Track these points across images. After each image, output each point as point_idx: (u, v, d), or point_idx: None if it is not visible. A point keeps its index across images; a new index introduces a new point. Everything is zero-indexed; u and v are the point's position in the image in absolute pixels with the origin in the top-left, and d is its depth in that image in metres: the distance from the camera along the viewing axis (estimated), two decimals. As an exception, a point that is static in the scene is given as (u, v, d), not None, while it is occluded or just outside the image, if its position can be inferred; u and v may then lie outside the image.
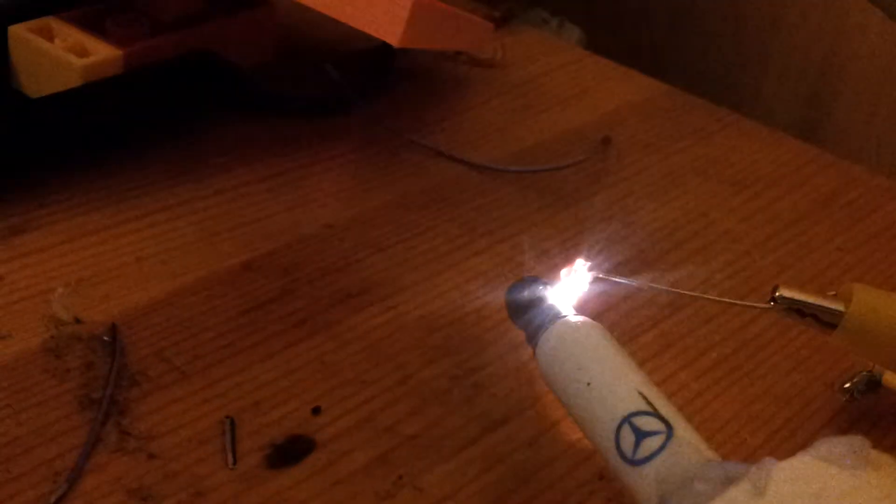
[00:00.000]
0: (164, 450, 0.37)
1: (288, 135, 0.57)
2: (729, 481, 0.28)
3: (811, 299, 0.38)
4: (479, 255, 0.50)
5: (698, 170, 0.60)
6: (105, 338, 0.41)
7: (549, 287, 0.39)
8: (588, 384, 0.34)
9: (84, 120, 0.51)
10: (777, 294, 0.38)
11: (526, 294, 0.39)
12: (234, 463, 0.37)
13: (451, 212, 0.53)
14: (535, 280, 0.40)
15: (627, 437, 0.32)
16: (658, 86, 0.68)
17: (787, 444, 0.41)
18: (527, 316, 0.39)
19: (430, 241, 0.51)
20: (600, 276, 0.40)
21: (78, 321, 0.42)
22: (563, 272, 0.40)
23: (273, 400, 0.40)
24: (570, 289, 0.40)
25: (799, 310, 0.38)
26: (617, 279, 0.42)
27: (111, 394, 0.39)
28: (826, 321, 0.38)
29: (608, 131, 0.61)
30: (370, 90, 0.61)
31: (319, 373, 0.42)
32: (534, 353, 0.38)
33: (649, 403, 0.33)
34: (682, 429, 0.32)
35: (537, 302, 0.39)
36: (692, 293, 0.48)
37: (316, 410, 0.40)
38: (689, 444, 0.31)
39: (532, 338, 0.38)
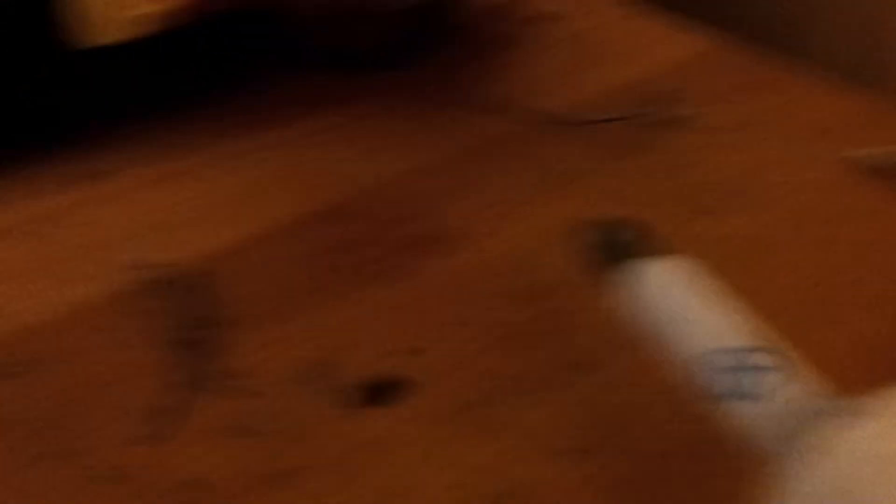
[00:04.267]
0: (264, 388, 0.37)
1: (346, 89, 0.56)
2: (855, 415, 0.28)
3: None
4: (554, 203, 0.49)
5: (768, 121, 0.59)
6: (193, 281, 0.41)
7: (638, 228, 0.39)
8: (693, 321, 0.34)
9: (154, 73, 0.50)
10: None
11: (612, 235, 0.39)
12: (334, 401, 0.37)
13: (511, 164, 0.52)
14: (619, 221, 0.39)
15: (743, 373, 0.32)
16: (718, 36, 0.68)
17: None
18: (620, 257, 0.38)
19: (496, 190, 0.50)
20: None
21: (162, 265, 0.41)
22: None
23: (367, 340, 0.40)
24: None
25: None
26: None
27: (207, 334, 0.38)
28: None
29: (672, 83, 0.61)
30: (426, 45, 0.61)
31: (407, 316, 0.41)
32: (627, 293, 0.37)
33: (764, 341, 0.32)
34: (800, 363, 0.31)
35: (628, 242, 0.38)
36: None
37: (413, 351, 0.39)
38: (808, 379, 0.31)
39: (625, 278, 0.37)
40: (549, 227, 0.48)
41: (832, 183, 0.53)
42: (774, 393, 0.31)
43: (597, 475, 0.36)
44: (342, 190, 0.48)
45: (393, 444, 0.36)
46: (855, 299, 0.45)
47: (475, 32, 0.65)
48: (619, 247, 0.38)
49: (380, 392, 0.38)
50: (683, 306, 0.34)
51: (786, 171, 0.54)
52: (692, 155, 0.55)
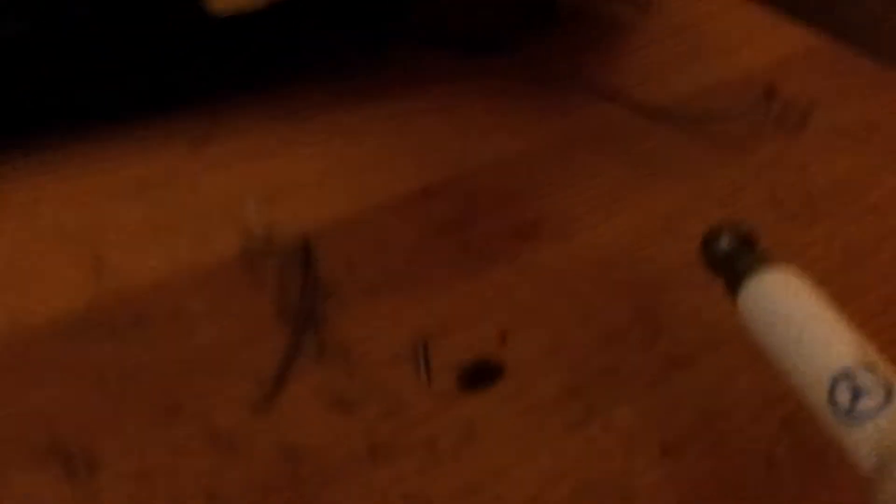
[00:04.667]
0: (361, 362, 0.38)
1: (455, 69, 0.57)
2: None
3: None
4: (652, 197, 0.49)
5: (865, 128, 0.59)
6: (297, 251, 0.42)
7: (749, 234, 0.39)
8: (799, 337, 0.34)
9: (265, 40, 0.51)
10: None
11: (725, 241, 0.39)
12: (429, 382, 0.38)
13: (618, 154, 0.52)
14: (733, 226, 0.39)
15: (844, 393, 0.32)
16: (820, 37, 0.67)
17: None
18: (727, 264, 0.38)
19: (601, 180, 0.50)
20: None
21: (269, 233, 0.43)
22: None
23: (461, 324, 0.40)
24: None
25: None
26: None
27: (308, 305, 0.39)
28: None
29: (771, 82, 0.60)
30: (534, 30, 0.61)
31: (504, 301, 0.42)
32: (735, 301, 0.37)
33: (867, 359, 0.32)
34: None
35: (739, 250, 0.38)
36: None
37: (503, 337, 0.40)
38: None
39: (733, 286, 0.38)
40: (650, 223, 0.48)
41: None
42: (876, 414, 0.31)
43: (678, 474, 0.36)
44: (448, 169, 0.48)
45: (482, 429, 0.36)
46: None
47: (587, 18, 0.65)
48: (722, 252, 0.38)
49: (471, 376, 0.38)
50: (789, 321, 0.35)
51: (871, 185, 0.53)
52: (804, 157, 0.55)
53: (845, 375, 0.32)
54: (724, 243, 0.38)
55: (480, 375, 0.39)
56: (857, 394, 0.31)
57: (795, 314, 0.34)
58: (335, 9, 0.53)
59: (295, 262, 0.41)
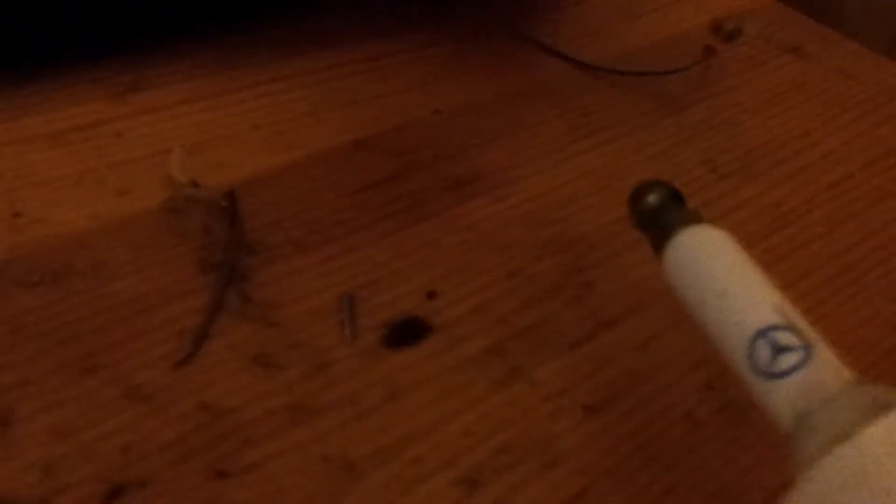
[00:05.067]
0: (284, 319, 0.37)
1: (395, 19, 0.56)
2: (878, 406, 0.28)
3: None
4: (587, 154, 0.49)
5: (799, 87, 0.59)
6: (223, 203, 0.41)
7: (676, 192, 0.39)
8: (721, 293, 0.34)
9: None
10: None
11: (652, 198, 0.39)
12: (353, 338, 0.37)
13: (559, 108, 0.52)
14: (661, 184, 0.39)
15: (763, 350, 0.32)
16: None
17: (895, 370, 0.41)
18: (654, 221, 0.38)
19: (538, 135, 0.50)
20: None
21: (195, 184, 0.42)
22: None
23: (388, 280, 0.40)
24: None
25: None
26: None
27: (232, 259, 0.39)
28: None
29: (710, 39, 0.60)
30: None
31: (432, 257, 0.42)
32: (660, 257, 0.37)
33: (788, 318, 0.33)
34: (822, 347, 0.32)
35: (666, 207, 0.38)
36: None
37: (431, 294, 0.40)
38: (829, 364, 0.31)
39: (659, 243, 0.38)
40: (585, 180, 0.48)
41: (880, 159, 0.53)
42: (795, 371, 0.31)
43: (600, 434, 0.36)
44: (382, 124, 0.48)
45: (405, 385, 0.36)
46: (883, 283, 0.45)
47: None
48: (649, 209, 0.38)
49: (397, 333, 0.38)
50: (712, 277, 0.35)
51: (833, 141, 0.54)
52: (739, 116, 0.55)
53: (765, 333, 0.32)
54: (652, 199, 0.38)
55: (406, 333, 0.38)
56: (776, 351, 0.31)
57: (718, 271, 0.34)
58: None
59: (220, 215, 0.40)
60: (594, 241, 0.44)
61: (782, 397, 0.31)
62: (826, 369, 0.31)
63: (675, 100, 0.55)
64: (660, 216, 0.38)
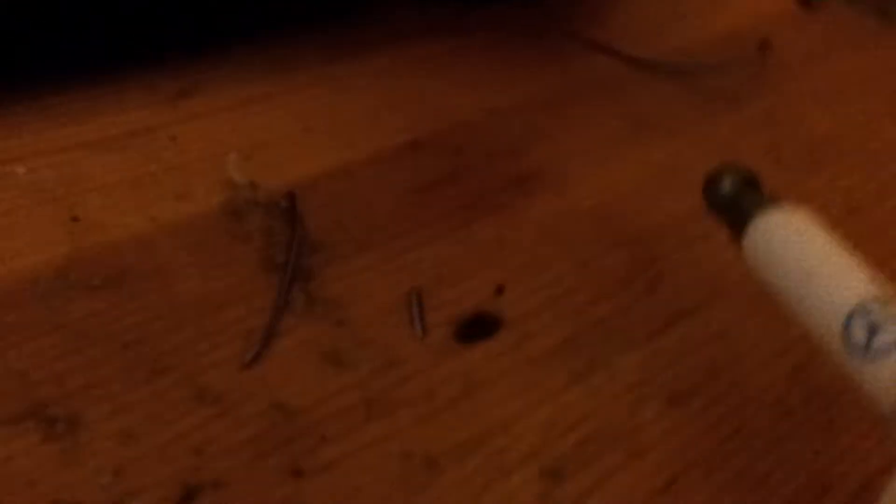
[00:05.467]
0: (351, 318, 0.36)
1: (445, 21, 0.55)
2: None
3: None
4: (647, 148, 0.48)
5: (860, 81, 0.58)
6: (283, 204, 0.40)
7: (753, 177, 0.37)
8: (811, 274, 0.32)
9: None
10: None
11: (728, 183, 0.37)
12: (423, 333, 0.36)
13: (615, 105, 0.51)
14: (736, 168, 0.38)
15: (859, 330, 0.30)
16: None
17: None
18: (731, 205, 0.37)
19: (596, 131, 0.49)
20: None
21: (253, 185, 0.41)
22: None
23: (454, 276, 0.39)
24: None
25: None
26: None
27: (295, 259, 0.37)
28: None
29: (766, 35, 0.59)
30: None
31: (498, 253, 0.40)
32: (740, 242, 0.36)
33: (883, 294, 0.31)
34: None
35: (742, 191, 0.37)
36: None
37: (499, 289, 0.39)
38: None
39: (738, 228, 0.36)
40: (646, 175, 0.46)
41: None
42: (894, 351, 0.30)
43: (685, 423, 0.35)
44: (437, 123, 0.47)
45: (481, 382, 0.35)
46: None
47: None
48: (725, 194, 0.37)
49: (467, 329, 0.37)
50: (799, 258, 0.33)
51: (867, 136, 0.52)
52: (800, 108, 0.54)
53: (861, 311, 0.30)
54: (728, 185, 0.37)
55: (477, 328, 0.37)
56: (873, 329, 0.30)
57: (805, 253, 0.33)
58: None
59: (280, 215, 0.39)
60: (662, 233, 0.43)
61: (881, 377, 0.30)
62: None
63: (734, 93, 0.54)
64: (737, 200, 0.37)
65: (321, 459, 0.31)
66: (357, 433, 0.32)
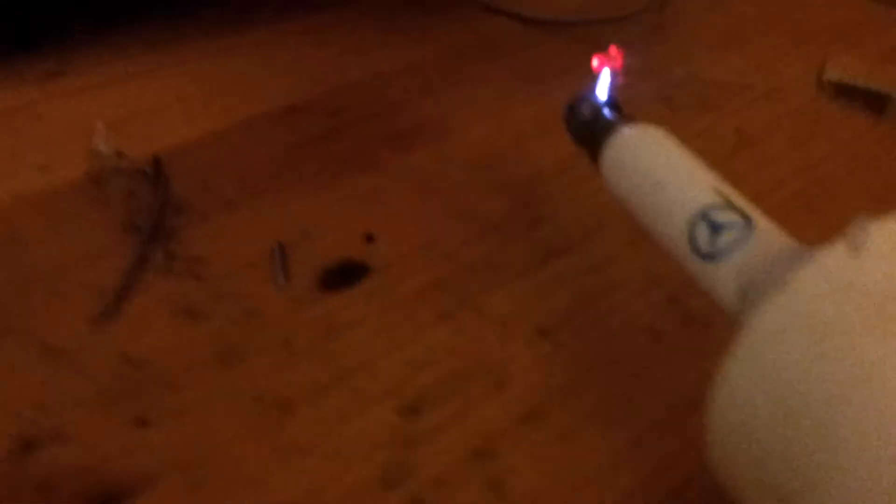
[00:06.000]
0: (212, 273, 0.35)
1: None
2: (815, 253, 0.26)
3: (860, 81, 0.35)
4: (532, 102, 0.48)
5: (758, 24, 0.57)
6: (147, 170, 0.39)
7: (614, 101, 0.37)
8: (657, 184, 0.32)
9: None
10: (825, 77, 0.35)
11: (588, 106, 0.37)
12: (285, 282, 0.35)
13: (503, 63, 0.51)
14: (590, 95, 0.38)
15: (702, 232, 0.30)
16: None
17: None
18: (588, 130, 0.37)
19: (481, 88, 0.48)
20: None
21: (120, 155, 0.40)
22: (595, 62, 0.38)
23: (324, 228, 0.38)
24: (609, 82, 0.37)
25: (847, 92, 0.35)
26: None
27: (156, 220, 0.37)
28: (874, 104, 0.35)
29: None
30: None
31: (370, 205, 0.40)
32: (599, 166, 0.36)
33: (724, 196, 0.31)
34: (761, 219, 0.30)
35: (598, 115, 0.36)
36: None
37: (369, 238, 0.38)
38: (769, 233, 0.29)
39: (595, 151, 0.36)
40: (527, 125, 0.46)
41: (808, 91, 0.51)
42: (737, 247, 0.29)
43: (556, 353, 0.34)
44: (319, 88, 0.46)
45: (344, 324, 0.34)
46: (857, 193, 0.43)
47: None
48: (584, 118, 0.37)
49: (333, 276, 0.36)
50: (647, 170, 0.33)
51: (766, 76, 0.52)
52: (693, 56, 0.53)
53: (703, 214, 0.30)
54: (586, 109, 0.37)
55: (344, 276, 0.36)
56: (715, 230, 0.30)
57: (654, 164, 0.33)
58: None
59: (145, 181, 0.39)
60: (542, 179, 0.43)
61: (726, 275, 0.29)
62: (767, 239, 0.29)
63: (627, 45, 0.53)
64: (594, 124, 0.36)
65: (168, 408, 0.30)
66: (207, 381, 0.31)
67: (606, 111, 0.36)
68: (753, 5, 0.59)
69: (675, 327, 0.36)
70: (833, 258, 0.25)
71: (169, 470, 0.29)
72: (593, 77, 0.37)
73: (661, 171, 0.32)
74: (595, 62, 0.37)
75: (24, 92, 0.43)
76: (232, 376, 0.32)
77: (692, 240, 0.30)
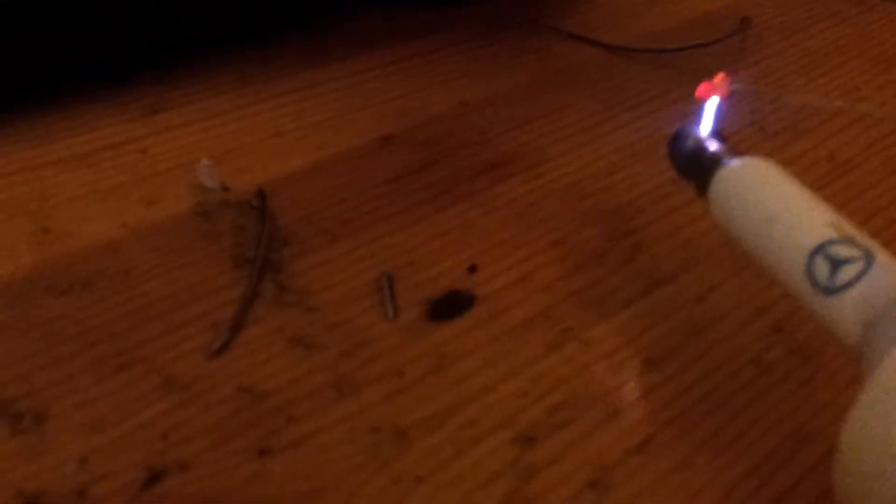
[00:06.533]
0: (322, 304, 0.36)
1: (415, 24, 0.56)
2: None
3: None
4: (623, 129, 0.48)
5: (841, 49, 0.57)
6: (253, 203, 0.40)
7: (718, 132, 0.37)
8: (772, 218, 0.32)
9: (215, 5, 0.50)
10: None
11: (690, 141, 0.37)
12: (394, 314, 0.36)
13: (589, 90, 0.51)
14: (695, 126, 0.38)
15: (822, 267, 0.30)
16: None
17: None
18: (693, 163, 0.37)
19: (569, 116, 0.49)
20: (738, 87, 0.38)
21: (224, 189, 0.41)
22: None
23: (426, 260, 0.39)
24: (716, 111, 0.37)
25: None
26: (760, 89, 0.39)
27: (265, 252, 0.38)
28: None
29: (746, 13, 0.59)
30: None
31: (471, 235, 0.40)
32: (706, 199, 0.36)
33: (842, 231, 0.31)
34: (882, 253, 0.30)
35: (704, 147, 0.37)
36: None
37: (472, 269, 0.38)
38: (890, 267, 0.29)
39: (703, 182, 0.36)
40: (621, 152, 0.46)
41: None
42: (857, 281, 0.29)
43: (665, 385, 0.34)
44: (409, 120, 0.47)
45: (453, 356, 0.35)
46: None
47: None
48: (688, 151, 0.37)
49: (439, 307, 0.37)
50: (760, 204, 0.33)
51: (855, 101, 0.52)
52: (779, 82, 0.53)
53: (822, 249, 0.30)
54: (690, 143, 0.37)
55: (449, 307, 0.37)
56: (835, 265, 0.29)
57: (766, 198, 0.33)
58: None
59: (251, 214, 0.40)
60: (639, 207, 0.43)
61: (847, 310, 0.29)
62: (888, 273, 0.29)
63: (712, 71, 0.53)
64: (699, 157, 0.36)
65: (288, 438, 0.31)
66: (325, 412, 0.32)
67: (713, 142, 0.36)
68: (835, 29, 0.59)
69: (783, 357, 0.36)
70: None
71: (292, 499, 0.29)
72: (696, 106, 0.37)
73: (776, 205, 0.32)
74: (701, 90, 0.37)
75: (128, 128, 0.44)
76: (348, 407, 0.32)
77: (810, 274, 0.30)
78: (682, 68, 0.53)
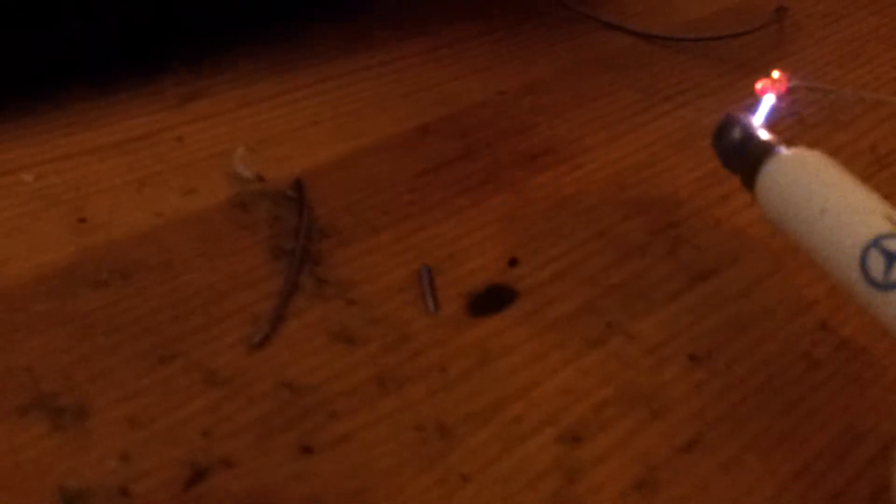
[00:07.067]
0: (362, 297, 0.36)
1: (450, 12, 0.55)
2: None
3: None
4: (662, 118, 0.47)
5: (881, 39, 0.56)
6: (290, 193, 0.40)
7: (759, 121, 0.37)
8: (825, 210, 0.31)
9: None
10: None
11: (737, 132, 0.37)
12: (435, 308, 0.35)
13: (628, 79, 0.50)
14: (743, 116, 0.37)
15: (876, 261, 0.29)
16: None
17: None
18: (741, 154, 0.36)
19: (608, 105, 0.48)
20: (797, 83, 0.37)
21: (261, 178, 0.41)
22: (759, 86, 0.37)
23: (467, 252, 0.38)
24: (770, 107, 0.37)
25: None
26: (817, 86, 0.39)
27: (304, 244, 0.37)
28: None
29: (782, 2, 0.58)
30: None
31: (511, 227, 0.40)
32: (753, 191, 0.35)
33: (899, 223, 0.30)
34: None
35: (751, 138, 0.36)
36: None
37: (513, 262, 0.38)
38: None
39: (750, 175, 0.35)
40: (661, 143, 0.46)
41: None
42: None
43: (710, 381, 0.34)
44: (447, 108, 0.46)
45: (497, 350, 0.34)
46: None
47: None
48: (735, 142, 0.36)
49: (481, 301, 0.36)
50: (812, 196, 0.32)
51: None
52: (818, 71, 0.52)
53: (877, 243, 0.29)
54: (737, 133, 0.36)
55: (491, 301, 0.36)
56: (891, 259, 0.29)
57: (818, 190, 0.32)
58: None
59: (288, 205, 0.39)
60: (681, 198, 0.42)
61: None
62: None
63: (751, 61, 0.53)
64: (746, 148, 0.36)
65: (332, 435, 0.31)
66: (368, 408, 0.32)
67: (762, 133, 0.35)
68: (872, 20, 0.58)
69: (831, 354, 0.35)
70: None
71: (336, 498, 0.29)
72: (744, 99, 0.37)
73: (828, 198, 0.31)
74: (759, 86, 0.36)
75: (163, 116, 0.44)
76: (392, 403, 0.32)
77: (864, 269, 0.30)
78: (718, 57, 0.53)
